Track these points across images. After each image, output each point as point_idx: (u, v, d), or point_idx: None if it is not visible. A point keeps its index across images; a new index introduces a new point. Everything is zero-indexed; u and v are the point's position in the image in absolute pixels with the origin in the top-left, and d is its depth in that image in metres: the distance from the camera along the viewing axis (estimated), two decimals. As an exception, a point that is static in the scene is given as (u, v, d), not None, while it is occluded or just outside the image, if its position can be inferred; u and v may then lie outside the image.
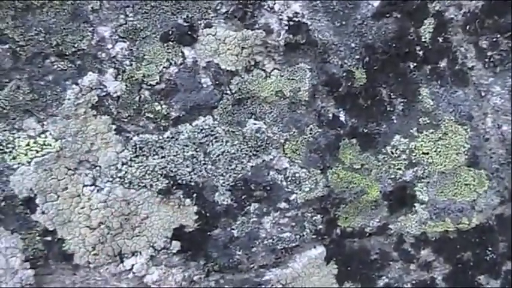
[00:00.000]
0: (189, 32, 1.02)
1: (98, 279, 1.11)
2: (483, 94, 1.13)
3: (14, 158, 1.02)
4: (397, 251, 1.20)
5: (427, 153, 1.14)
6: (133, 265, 1.11)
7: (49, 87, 1.01)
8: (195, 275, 1.15)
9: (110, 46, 1.01)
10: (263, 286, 1.17)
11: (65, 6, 0.97)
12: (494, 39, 1.10)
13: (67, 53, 1.00)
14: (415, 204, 1.17)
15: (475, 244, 1.21)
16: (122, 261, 1.11)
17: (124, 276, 1.11)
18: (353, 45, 1.06)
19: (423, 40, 1.08)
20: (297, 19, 1.03)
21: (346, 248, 1.18)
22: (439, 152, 1.14)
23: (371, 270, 1.21)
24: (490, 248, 1.22)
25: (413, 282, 1.22)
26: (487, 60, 1.11)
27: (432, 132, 1.13)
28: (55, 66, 1.00)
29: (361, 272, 1.20)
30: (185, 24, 1.02)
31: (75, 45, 0.99)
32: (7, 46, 0.97)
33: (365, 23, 1.05)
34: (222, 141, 1.09)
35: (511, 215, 1.22)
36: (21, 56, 0.98)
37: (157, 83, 1.04)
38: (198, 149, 1.08)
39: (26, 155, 1.02)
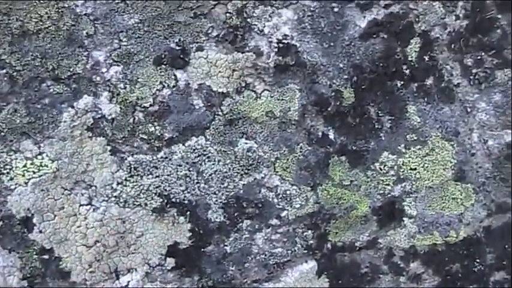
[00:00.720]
0: (181, 56, 1.03)
1: None
2: (469, 110, 1.14)
3: (11, 179, 1.02)
4: (387, 264, 1.20)
5: (415, 169, 1.14)
6: (129, 282, 1.11)
7: (45, 110, 1.01)
8: None
9: (104, 70, 1.02)
10: None
11: (61, 32, 0.97)
12: (479, 57, 1.11)
13: (63, 77, 1.00)
14: (404, 219, 1.17)
15: (463, 256, 1.21)
16: (118, 278, 1.10)
17: None
18: (341, 65, 1.06)
19: (410, 59, 1.08)
20: (286, 41, 1.04)
21: (337, 262, 1.18)
22: (427, 167, 1.14)
23: (362, 283, 1.20)
24: (478, 260, 1.22)
25: None
26: (472, 77, 1.12)
27: (419, 148, 1.13)
28: (51, 90, 1.00)
29: (352, 285, 1.20)
30: (177, 47, 1.02)
31: (71, 69, 1.00)
32: (4, 71, 0.97)
33: (353, 43, 1.06)
34: (215, 160, 1.08)
35: (499, 227, 1.21)
36: (18, 80, 0.98)
37: (150, 105, 1.04)
38: (191, 169, 1.08)
39: (23, 175, 1.02)
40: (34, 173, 1.02)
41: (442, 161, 1.15)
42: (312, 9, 1.03)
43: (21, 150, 1.02)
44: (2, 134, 1.00)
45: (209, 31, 1.02)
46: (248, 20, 1.02)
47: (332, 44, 1.05)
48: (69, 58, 0.99)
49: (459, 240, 1.20)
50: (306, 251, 1.16)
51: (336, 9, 1.04)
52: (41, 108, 1.01)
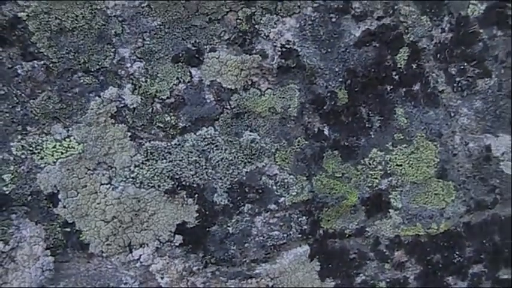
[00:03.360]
0: (196, 55, 1.04)
1: (109, 267, 1.12)
2: (452, 114, 1.16)
3: (41, 158, 1.04)
4: (373, 252, 1.22)
5: (401, 165, 1.16)
6: (140, 255, 1.12)
7: (75, 98, 1.03)
8: (194, 266, 1.15)
9: (128, 65, 1.03)
10: (254, 279, 1.18)
11: (92, 30, 0.99)
12: (462, 67, 1.13)
13: (92, 70, 1.02)
14: (390, 210, 1.19)
15: (444, 248, 1.23)
16: (131, 252, 1.12)
17: (132, 265, 1.12)
18: (337, 69, 1.08)
19: (399, 66, 1.10)
20: (288, 46, 1.06)
21: (328, 247, 1.19)
22: (412, 164, 1.16)
23: (350, 268, 1.21)
24: (457, 252, 1.23)
25: (388, 280, 1.23)
26: (455, 84, 1.14)
27: (405, 147, 1.15)
28: (81, 81, 1.02)
29: (341, 270, 1.21)
30: (193, 48, 1.04)
31: (99, 63, 1.01)
32: (42, 62, 0.99)
33: (348, 50, 1.08)
34: (222, 149, 1.09)
35: (478, 223, 1.22)
36: (53, 71, 1.00)
37: (167, 98, 1.05)
38: (200, 155, 1.09)
39: (52, 155, 1.04)
40: (62, 153, 1.04)
41: (425, 159, 1.16)
42: (312, 18, 1.05)
43: (52, 133, 1.03)
44: (36, 118, 1.02)
45: (221, 34, 1.04)
46: (256, 26, 1.04)
47: (329, 50, 1.07)
48: (99, 53, 1.01)
49: (440, 233, 1.21)
50: (300, 236, 1.17)
51: (333, 19, 1.06)
52: (71, 96, 1.02)
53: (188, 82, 1.06)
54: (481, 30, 1.12)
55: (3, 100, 1.00)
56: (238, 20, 1.04)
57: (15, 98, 1.01)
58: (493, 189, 1.22)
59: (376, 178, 1.17)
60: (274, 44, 1.06)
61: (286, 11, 1.05)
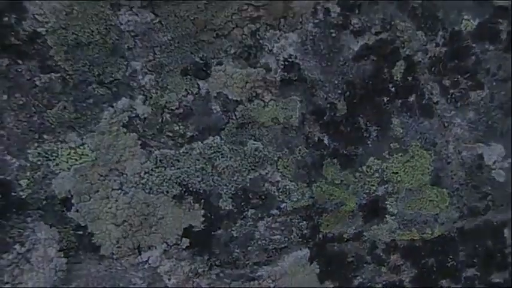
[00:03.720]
0: (204, 68, 1.05)
1: (118, 268, 1.13)
2: (446, 125, 1.17)
3: (56, 164, 1.05)
4: (370, 255, 1.23)
5: (397, 173, 1.17)
6: (149, 257, 1.14)
7: (89, 108, 1.04)
8: (200, 268, 1.16)
9: (140, 77, 1.05)
10: (256, 281, 1.19)
11: (106, 44, 1.01)
12: (455, 79, 1.15)
13: (106, 82, 1.03)
14: (386, 216, 1.21)
15: (438, 252, 1.24)
16: (140, 254, 1.13)
17: (141, 267, 1.14)
18: (336, 81, 1.10)
19: (395, 79, 1.12)
20: (291, 60, 1.08)
21: (327, 250, 1.21)
22: (407, 172, 1.18)
23: (348, 271, 1.23)
24: (451, 256, 1.26)
25: (384, 283, 1.25)
26: (449, 96, 1.16)
27: (401, 155, 1.17)
28: (95, 92, 1.03)
29: (339, 272, 1.23)
30: (201, 61, 1.05)
31: (113, 76, 1.03)
32: (59, 74, 1.01)
33: (347, 63, 1.10)
34: (227, 157, 1.11)
35: (471, 229, 1.24)
36: (69, 83, 1.01)
37: (176, 108, 1.07)
38: (207, 163, 1.11)
39: (66, 162, 1.05)
40: (76, 160, 1.05)
41: (420, 167, 1.18)
42: (313, 33, 1.07)
43: (67, 141, 1.04)
44: (52, 126, 1.03)
45: (228, 49, 1.06)
46: (260, 41, 1.06)
47: (329, 63, 1.09)
48: (112, 66, 1.02)
49: (434, 238, 1.23)
50: (300, 239, 1.19)
51: (333, 35, 1.08)
52: (86, 106, 1.04)
53: (196, 94, 1.08)
54: (474, 45, 1.14)
55: (22, 109, 1.02)
56: (243, 36, 1.06)
57: (33, 108, 1.02)
58: (485, 196, 1.24)
59: (373, 185, 1.19)
60: (277, 58, 1.08)
61: (289, 26, 1.07)
